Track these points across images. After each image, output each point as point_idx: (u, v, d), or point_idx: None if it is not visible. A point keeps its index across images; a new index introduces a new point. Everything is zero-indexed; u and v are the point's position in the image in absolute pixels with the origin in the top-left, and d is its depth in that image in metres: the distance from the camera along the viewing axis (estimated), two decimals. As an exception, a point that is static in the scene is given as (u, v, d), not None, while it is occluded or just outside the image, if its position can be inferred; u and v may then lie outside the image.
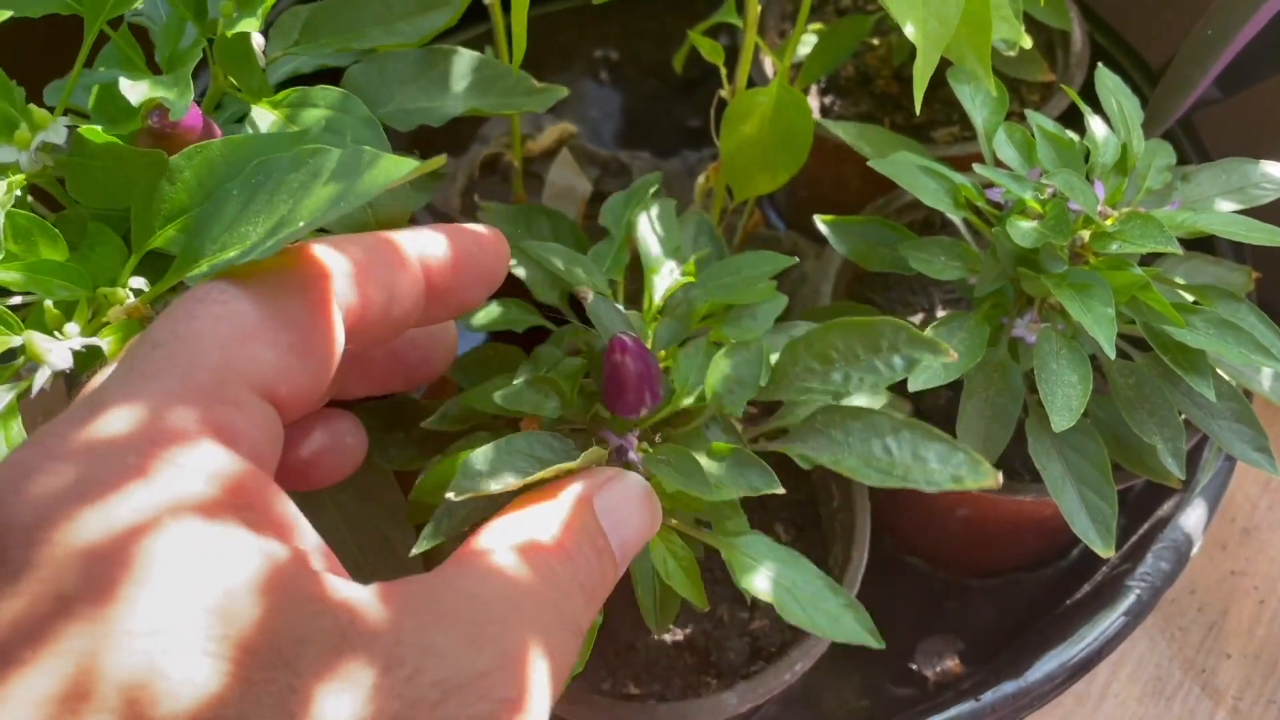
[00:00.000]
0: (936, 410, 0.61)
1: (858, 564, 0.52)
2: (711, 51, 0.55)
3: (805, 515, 0.58)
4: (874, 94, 0.78)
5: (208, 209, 0.31)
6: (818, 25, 0.76)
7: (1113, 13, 0.81)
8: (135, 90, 0.38)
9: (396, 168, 0.29)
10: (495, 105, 0.51)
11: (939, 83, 0.81)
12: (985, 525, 0.66)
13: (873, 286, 0.67)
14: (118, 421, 0.23)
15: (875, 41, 0.79)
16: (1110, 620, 0.60)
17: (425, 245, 0.31)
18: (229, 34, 0.40)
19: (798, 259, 0.46)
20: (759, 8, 0.53)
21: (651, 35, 0.96)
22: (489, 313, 0.48)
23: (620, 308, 0.44)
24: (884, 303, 0.67)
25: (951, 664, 0.67)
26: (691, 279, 0.47)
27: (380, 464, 0.42)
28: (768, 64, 0.74)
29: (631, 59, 0.99)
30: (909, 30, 0.39)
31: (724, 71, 0.59)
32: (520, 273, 0.49)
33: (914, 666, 0.67)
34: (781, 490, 0.39)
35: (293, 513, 0.26)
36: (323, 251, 0.29)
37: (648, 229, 0.50)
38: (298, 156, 0.30)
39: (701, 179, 0.65)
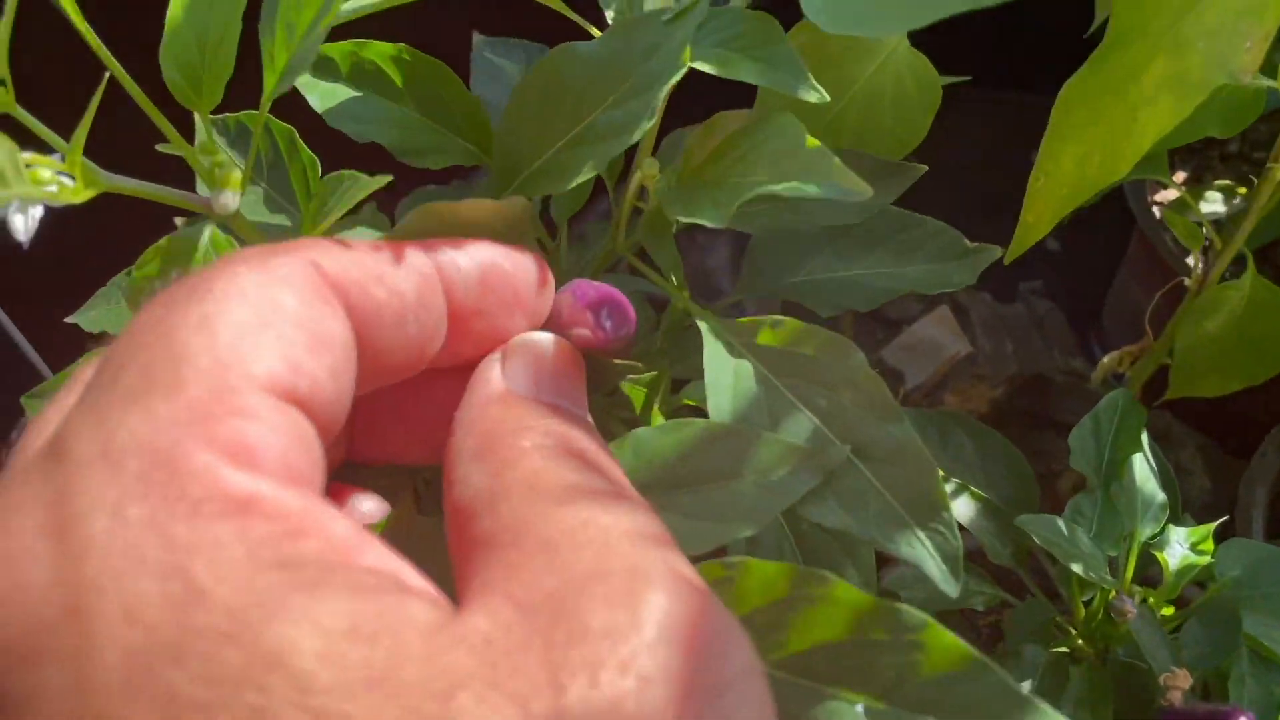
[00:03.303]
0: None
1: None
2: (1189, 236, 0.44)
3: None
4: (1276, 265, 0.65)
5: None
6: (1223, 180, 0.64)
7: None
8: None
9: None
10: (920, 276, 0.41)
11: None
12: None
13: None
14: (88, 472, 0.17)
15: None
16: None
17: (443, 254, 0.25)
18: (681, 220, 0.30)
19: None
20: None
21: (955, 141, 0.85)
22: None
23: (1159, 627, 0.32)
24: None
25: None
26: (1209, 558, 0.36)
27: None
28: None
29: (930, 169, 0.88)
30: None
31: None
32: (962, 510, 0.39)
33: None
34: None
35: (356, 535, 0.19)
36: (309, 242, 0.23)
37: (1138, 477, 0.38)
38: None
39: (1108, 359, 0.54)
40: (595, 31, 0.35)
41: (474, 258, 0.25)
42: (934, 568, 0.28)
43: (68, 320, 0.38)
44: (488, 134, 0.33)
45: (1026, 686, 0.33)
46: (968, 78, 0.44)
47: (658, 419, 0.36)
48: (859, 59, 0.39)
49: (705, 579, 0.22)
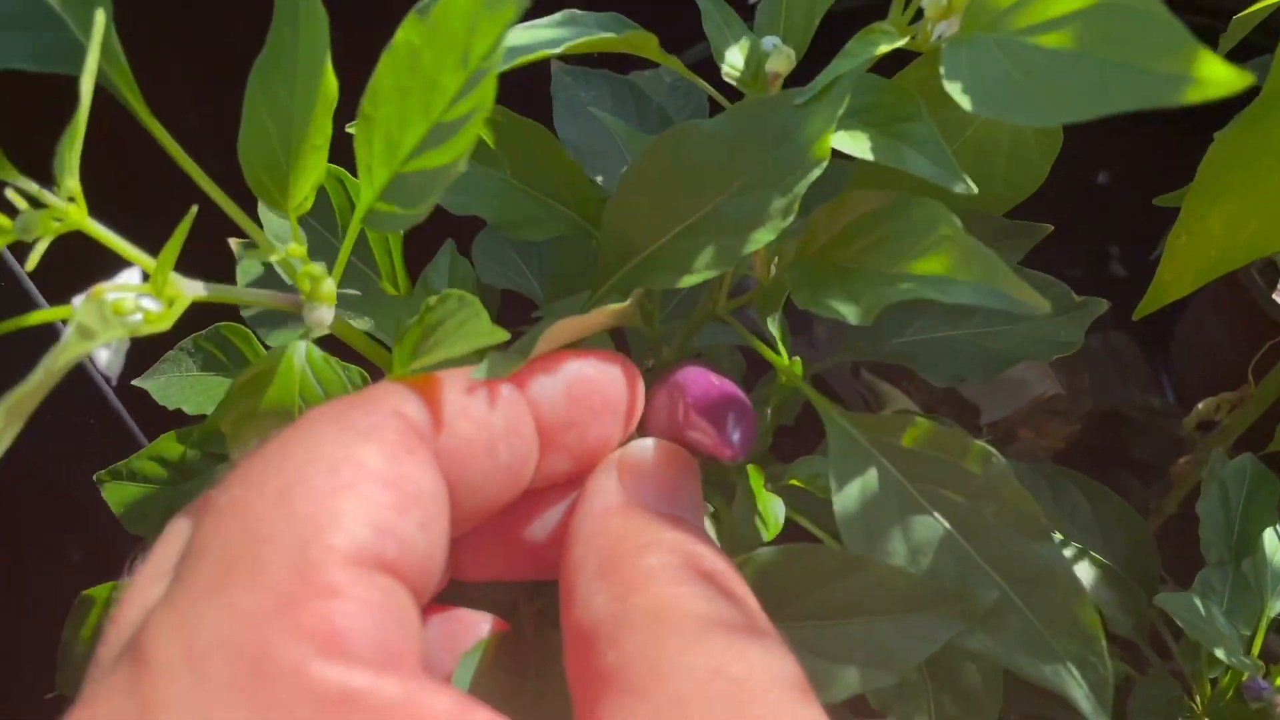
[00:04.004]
0: None
1: None
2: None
3: None
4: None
5: None
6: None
7: None
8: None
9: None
10: (1029, 334, 0.39)
11: None
12: None
13: None
14: (170, 680, 0.17)
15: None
16: None
17: (524, 373, 0.24)
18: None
19: None
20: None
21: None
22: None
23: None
24: None
25: None
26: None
27: None
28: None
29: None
30: None
31: None
32: (1082, 576, 0.36)
33: None
34: None
35: (460, 711, 0.18)
36: (390, 389, 0.22)
37: (1267, 549, 0.36)
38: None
39: (1203, 406, 0.51)
40: (714, 92, 0.32)
41: (556, 371, 0.24)
42: (1082, 699, 0.26)
43: (134, 384, 0.36)
44: (591, 202, 0.31)
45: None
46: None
47: (763, 496, 0.34)
48: (974, 102, 0.36)
49: None
